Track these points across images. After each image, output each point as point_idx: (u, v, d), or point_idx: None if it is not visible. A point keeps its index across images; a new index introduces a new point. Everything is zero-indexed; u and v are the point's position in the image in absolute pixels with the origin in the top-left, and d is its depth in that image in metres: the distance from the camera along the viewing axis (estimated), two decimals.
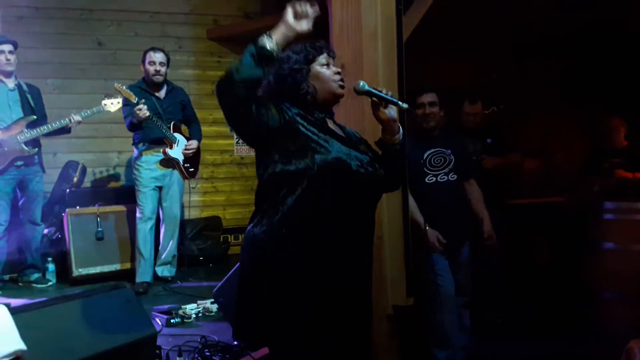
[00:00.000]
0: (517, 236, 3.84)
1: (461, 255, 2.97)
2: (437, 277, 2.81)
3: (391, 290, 2.70)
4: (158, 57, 3.91)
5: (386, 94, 1.80)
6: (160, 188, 3.92)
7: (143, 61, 3.93)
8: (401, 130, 1.87)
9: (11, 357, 1.77)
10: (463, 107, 3.80)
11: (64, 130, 3.79)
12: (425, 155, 2.90)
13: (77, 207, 4.08)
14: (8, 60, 3.67)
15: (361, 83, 1.80)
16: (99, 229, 4.01)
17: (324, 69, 1.79)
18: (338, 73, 1.82)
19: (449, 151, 2.92)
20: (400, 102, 1.78)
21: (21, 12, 4.73)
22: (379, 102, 1.80)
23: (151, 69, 3.89)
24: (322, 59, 1.81)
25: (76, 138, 4.51)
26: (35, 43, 4.65)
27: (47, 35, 4.75)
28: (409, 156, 2.70)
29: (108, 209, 4.15)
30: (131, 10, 4.98)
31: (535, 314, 3.56)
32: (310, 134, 1.68)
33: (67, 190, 4.31)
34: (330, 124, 1.81)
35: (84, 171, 4.53)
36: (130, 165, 4.32)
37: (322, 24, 3.10)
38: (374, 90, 1.79)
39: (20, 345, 1.76)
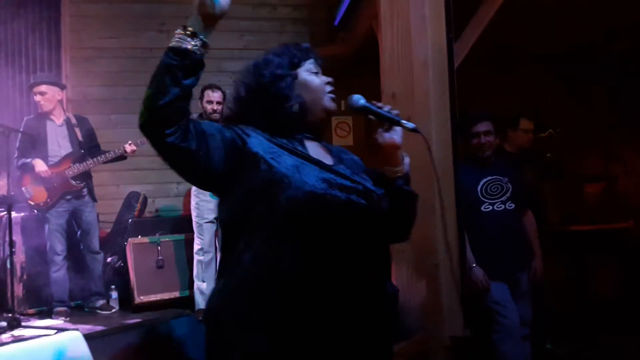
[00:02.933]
0: (579, 264, 3.68)
1: (520, 284, 2.88)
2: (500, 307, 2.74)
3: (448, 321, 2.65)
4: (215, 96, 4.05)
5: (388, 112, 1.40)
6: (217, 220, 4.02)
7: (201, 98, 4.09)
8: (406, 159, 1.45)
9: None
10: (518, 125, 3.47)
11: (119, 158, 3.96)
12: (481, 184, 2.85)
13: (139, 237, 4.25)
14: (39, 102, 3.85)
15: (355, 97, 1.43)
16: (160, 257, 4.16)
17: (312, 76, 1.42)
18: (329, 83, 1.44)
19: (506, 179, 2.87)
20: (404, 122, 1.40)
21: (87, 54, 5.07)
22: (378, 123, 1.41)
23: (209, 107, 4.04)
24: (310, 64, 1.43)
25: (137, 170, 4.74)
26: (100, 81, 4.97)
27: (111, 74, 5.05)
28: (463, 185, 2.71)
29: (168, 238, 4.31)
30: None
31: (603, 351, 3.37)
32: (275, 164, 1.26)
33: (130, 220, 4.51)
34: (314, 146, 1.41)
35: (145, 201, 4.74)
36: (189, 195, 4.48)
37: (372, 55, 3.16)
38: (372, 107, 1.41)
39: None
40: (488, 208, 2.83)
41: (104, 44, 5.08)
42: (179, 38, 1.20)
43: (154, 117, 1.20)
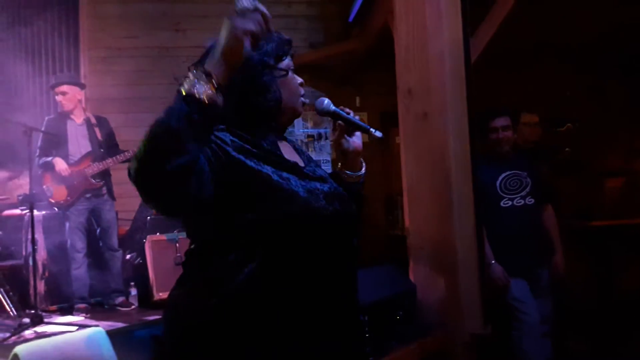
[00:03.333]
0: (601, 260, 3.62)
1: (540, 281, 2.85)
2: (519, 303, 2.71)
3: (467, 318, 2.64)
4: None
5: (354, 117, 1.37)
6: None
7: None
8: (364, 165, 1.43)
9: None
10: (519, 120, 3.39)
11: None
12: (500, 179, 2.83)
13: (157, 234, 4.29)
14: (60, 101, 3.91)
15: (325, 101, 1.37)
16: (178, 254, 4.20)
17: (291, 74, 1.31)
18: (302, 85, 1.34)
19: (525, 173, 2.84)
20: (372, 130, 1.35)
21: (104, 53, 5.13)
22: (344, 128, 1.38)
23: None
24: (289, 61, 1.31)
25: None
26: (117, 80, 5.03)
27: (128, 73, 5.11)
28: (481, 180, 2.70)
29: (186, 235, 4.33)
30: (202, 45, 5.27)
31: (626, 349, 3.31)
32: (267, 171, 1.16)
33: (148, 217, 4.56)
34: (286, 147, 1.32)
35: None
36: None
37: (387, 51, 3.15)
38: (342, 113, 1.37)
39: None
40: (507, 203, 2.80)
41: (121, 43, 5.14)
42: (195, 82, 1.00)
43: (157, 183, 1.00)
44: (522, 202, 2.80)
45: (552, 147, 3.67)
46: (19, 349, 1.98)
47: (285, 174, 1.19)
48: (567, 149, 4.00)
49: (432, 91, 2.82)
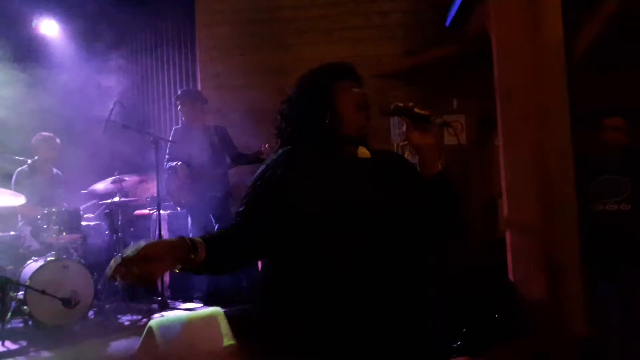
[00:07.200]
0: None
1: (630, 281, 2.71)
2: (615, 305, 2.63)
3: (569, 319, 2.61)
4: None
5: (421, 110, 1.38)
6: None
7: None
8: (444, 164, 1.40)
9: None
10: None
11: (256, 159, 4.32)
12: (597, 181, 2.76)
13: None
14: (185, 112, 4.35)
15: None
16: None
17: (347, 90, 1.44)
18: (364, 96, 1.45)
19: (628, 179, 2.74)
20: (433, 117, 1.37)
21: (217, 70, 5.64)
22: (410, 123, 1.40)
23: None
24: (348, 82, 1.46)
25: None
26: (230, 96, 5.50)
27: (238, 88, 5.57)
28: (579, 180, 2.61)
29: None
30: (305, 59, 5.60)
31: None
32: (313, 209, 1.31)
33: None
34: (363, 152, 1.44)
35: None
36: None
37: (484, 54, 3.18)
38: (404, 107, 1.39)
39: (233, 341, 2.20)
40: (599, 207, 2.73)
41: (232, 61, 5.62)
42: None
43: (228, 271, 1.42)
44: (616, 207, 2.71)
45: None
46: (152, 322, 2.34)
47: (343, 192, 1.32)
48: None
49: (532, 93, 2.83)
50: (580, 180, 2.73)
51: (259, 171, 1.40)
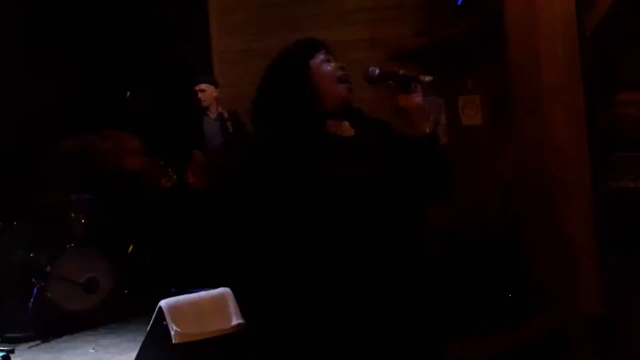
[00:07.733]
0: None
1: None
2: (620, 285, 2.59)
3: (584, 299, 2.58)
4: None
5: (406, 72, 1.36)
6: None
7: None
8: (433, 126, 1.39)
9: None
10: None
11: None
12: (612, 158, 2.71)
13: None
14: (198, 99, 4.38)
15: (370, 70, 1.38)
16: None
17: (323, 64, 1.40)
18: (342, 68, 1.41)
19: None
20: (420, 76, 1.35)
21: (233, 56, 5.66)
22: (396, 87, 1.37)
23: None
24: (321, 55, 1.42)
25: None
26: (242, 81, 5.51)
27: (251, 74, 5.57)
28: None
29: None
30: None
31: None
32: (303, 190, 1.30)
33: None
34: (345, 125, 1.43)
35: None
36: None
37: (498, 32, 3.13)
38: (388, 72, 1.38)
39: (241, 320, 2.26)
40: (614, 184, 2.67)
41: (246, 46, 5.64)
42: None
43: None
44: (632, 184, 2.65)
45: None
46: (162, 302, 2.42)
47: (330, 171, 1.30)
48: None
49: (545, 69, 2.78)
50: (594, 157, 2.67)
51: (236, 163, 1.45)
